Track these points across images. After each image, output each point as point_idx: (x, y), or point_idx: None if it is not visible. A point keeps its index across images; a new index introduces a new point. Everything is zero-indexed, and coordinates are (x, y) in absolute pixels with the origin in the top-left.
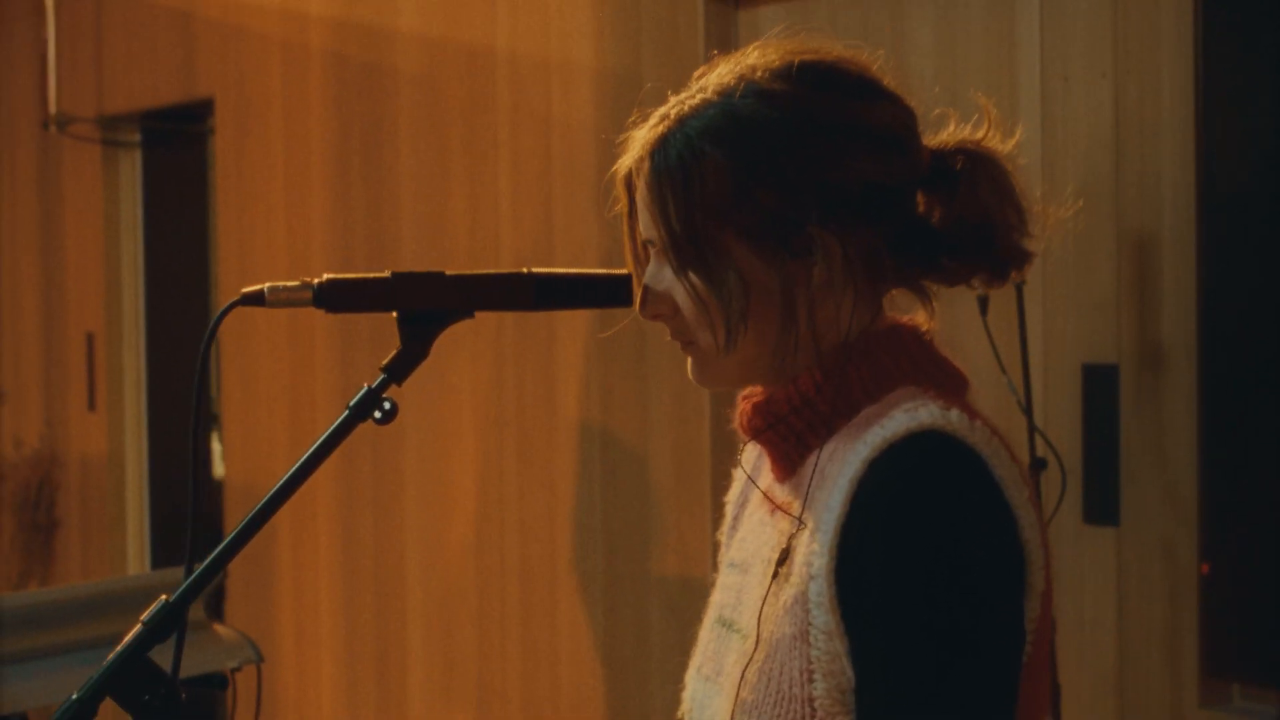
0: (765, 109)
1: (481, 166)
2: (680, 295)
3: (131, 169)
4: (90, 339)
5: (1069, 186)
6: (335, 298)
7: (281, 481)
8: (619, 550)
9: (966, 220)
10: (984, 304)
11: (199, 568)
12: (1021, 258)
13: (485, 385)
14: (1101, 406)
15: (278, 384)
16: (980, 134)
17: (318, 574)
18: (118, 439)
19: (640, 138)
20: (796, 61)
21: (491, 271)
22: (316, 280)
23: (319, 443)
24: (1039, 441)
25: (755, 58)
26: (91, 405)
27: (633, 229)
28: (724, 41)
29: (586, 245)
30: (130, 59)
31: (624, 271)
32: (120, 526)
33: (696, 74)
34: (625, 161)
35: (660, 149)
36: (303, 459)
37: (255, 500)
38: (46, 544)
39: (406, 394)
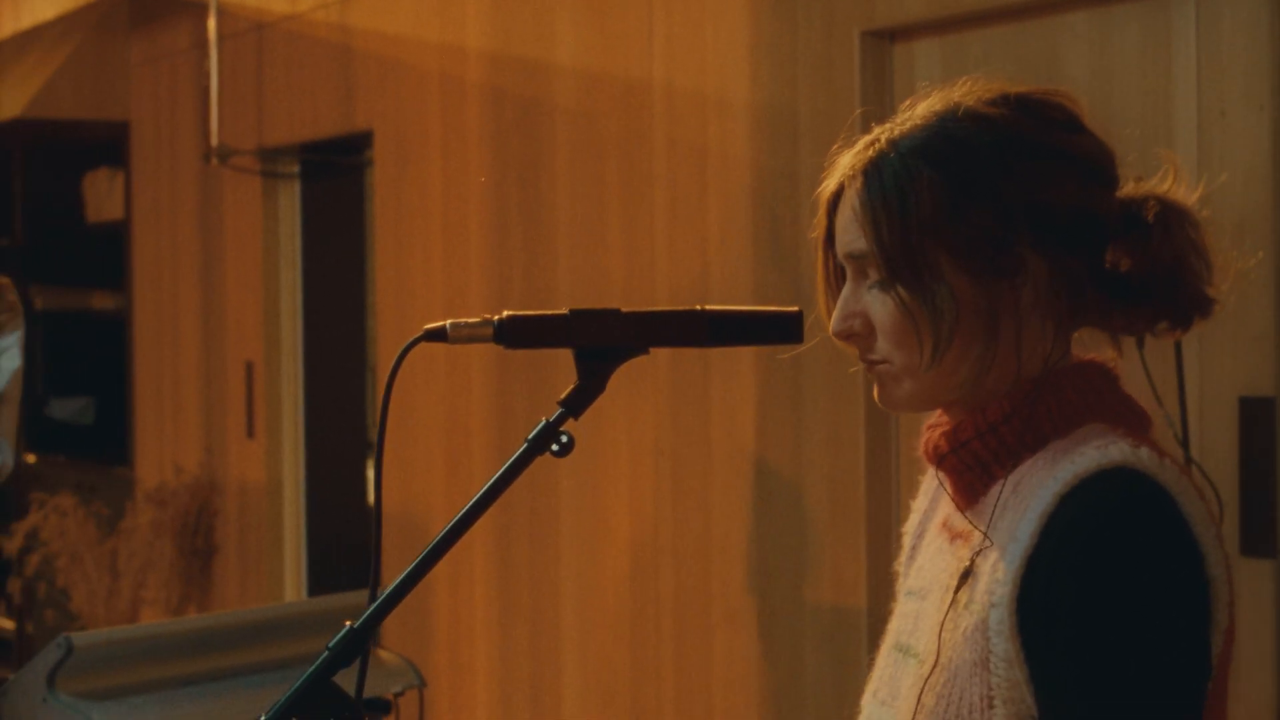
0: (979, 130)
1: (638, 200)
2: (881, 311)
3: (290, 200)
4: (249, 368)
5: (1226, 219)
6: (515, 334)
7: (460, 514)
8: (773, 580)
9: (1160, 265)
10: (1141, 337)
11: (381, 595)
12: (1207, 305)
13: (641, 415)
14: (1259, 439)
15: (434, 413)
16: (1166, 185)
17: (473, 601)
18: (275, 466)
19: (846, 161)
20: (1010, 91)
21: (665, 309)
22: (497, 317)
23: (497, 476)
24: (1195, 474)
25: (964, 90)
26: (250, 433)
27: (828, 252)
28: (879, 75)
29: (741, 278)
30: (290, 92)
31: (794, 309)
32: (277, 553)
33: (903, 105)
34: (830, 183)
35: (874, 167)
36: (481, 491)
37: (411, 529)
38: (205, 570)
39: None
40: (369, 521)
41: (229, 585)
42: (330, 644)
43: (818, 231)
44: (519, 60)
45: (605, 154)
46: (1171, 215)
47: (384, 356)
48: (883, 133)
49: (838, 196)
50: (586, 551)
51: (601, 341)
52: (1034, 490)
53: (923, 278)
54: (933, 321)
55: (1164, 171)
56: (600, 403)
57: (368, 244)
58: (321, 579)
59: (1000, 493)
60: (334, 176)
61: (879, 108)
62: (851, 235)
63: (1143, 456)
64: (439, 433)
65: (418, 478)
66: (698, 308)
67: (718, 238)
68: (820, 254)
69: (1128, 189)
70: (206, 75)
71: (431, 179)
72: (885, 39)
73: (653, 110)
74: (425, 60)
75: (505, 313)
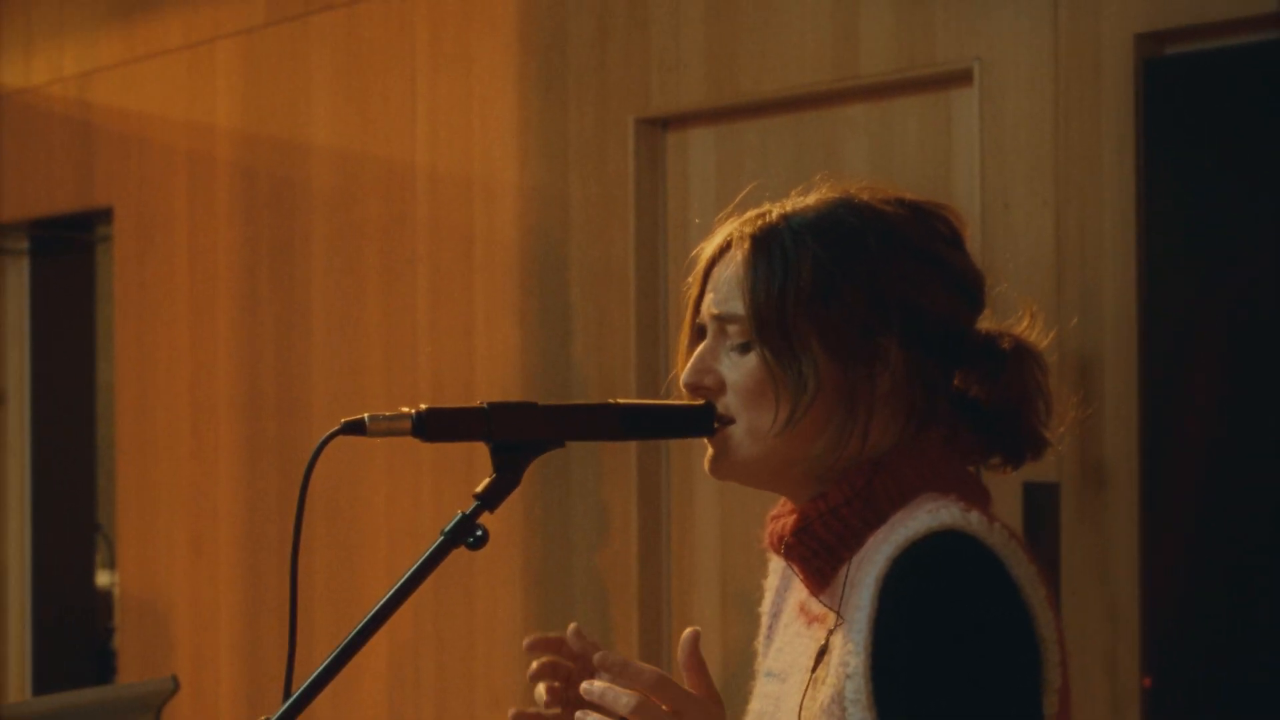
0: (869, 222)
1: (398, 282)
2: (741, 372)
3: (19, 277)
4: None
5: (1009, 313)
6: (433, 428)
7: (374, 610)
8: None
9: (1006, 400)
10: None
11: (297, 691)
12: (1041, 447)
13: (401, 494)
14: (1043, 524)
15: (178, 491)
16: (1023, 326)
17: (219, 683)
18: (0, 551)
19: (732, 227)
20: (905, 196)
21: (580, 403)
22: (414, 411)
23: (412, 571)
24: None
25: (859, 187)
26: None
27: (696, 308)
28: (652, 161)
29: (508, 364)
30: (23, 167)
31: (701, 402)
32: (1, 639)
33: (796, 191)
34: (713, 243)
35: (764, 234)
36: (396, 586)
37: (152, 611)
38: None
39: (316, 506)
40: (100, 607)
41: None
42: None
43: (693, 291)
44: (272, 139)
45: (364, 235)
46: (1025, 354)
47: (124, 437)
48: (775, 208)
49: (717, 258)
50: (341, 636)
51: (519, 436)
52: (874, 559)
53: (791, 346)
54: (793, 389)
55: (1022, 313)
56: (356, 484)
57: (100, 322)
58: (48, 667)
59: (847, 573)
60: (67, 253)
61: (652, 194)
62: (725, 295)
63: (972, 520)
64: (184, 513)
65: (159, 557)
66: (610, 401)
67: (484, 322)
68: (690, 311)
69: (988, 324)
70: None
71: (177, 257)
72: (659, 126)
73: (415, 192)
74: (172, 137)
75: (423, 406)
